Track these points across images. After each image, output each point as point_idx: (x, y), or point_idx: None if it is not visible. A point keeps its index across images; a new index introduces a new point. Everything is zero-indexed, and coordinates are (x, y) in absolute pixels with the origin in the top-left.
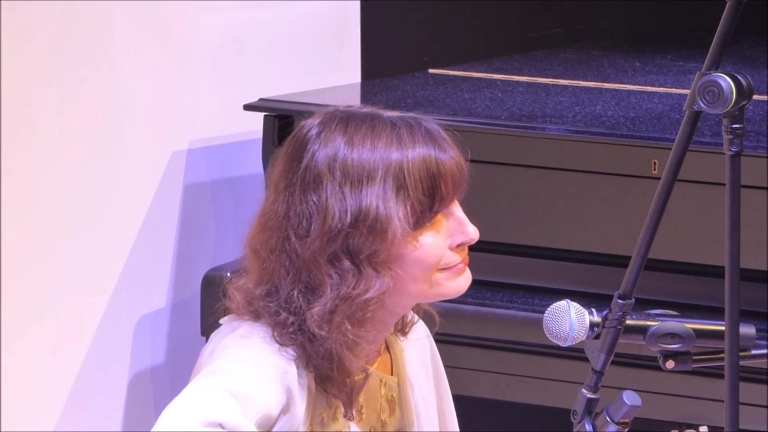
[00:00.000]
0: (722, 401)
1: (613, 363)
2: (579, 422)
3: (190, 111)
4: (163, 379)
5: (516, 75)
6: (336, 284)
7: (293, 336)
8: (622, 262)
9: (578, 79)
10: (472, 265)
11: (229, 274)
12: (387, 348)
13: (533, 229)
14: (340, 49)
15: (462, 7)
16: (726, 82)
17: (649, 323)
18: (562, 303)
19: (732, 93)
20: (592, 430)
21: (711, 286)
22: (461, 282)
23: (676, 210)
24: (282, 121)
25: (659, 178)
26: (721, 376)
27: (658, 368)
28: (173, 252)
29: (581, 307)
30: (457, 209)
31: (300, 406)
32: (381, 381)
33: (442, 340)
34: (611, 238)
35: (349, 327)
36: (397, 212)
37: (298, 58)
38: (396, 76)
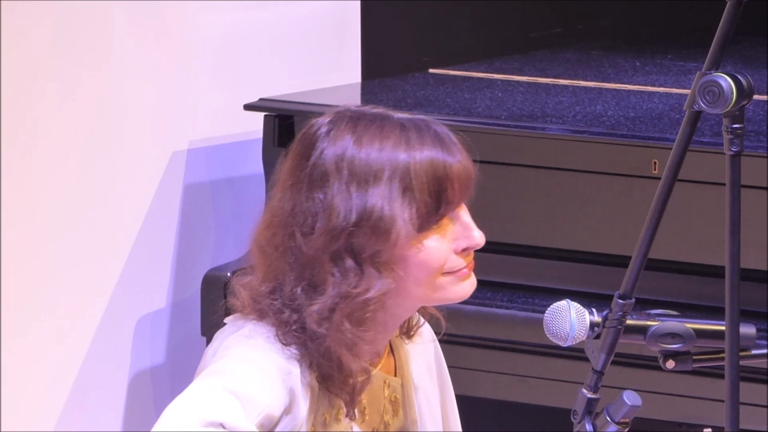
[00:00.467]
0: (722, 401)
1: (613, 363)
2: (579, 422)
3: (190, 111)
4: (163, 379)
5: (516, 75)
6: (337, 282)
7: (296, 334)
8: (622, 262)
9: (578, 79)
10: None
11: (229, 274)
12: (392, 351)
13: (533, 229)
14: (340, 49)
15: (462, 7)
16: (726, 82)
17: (649, 323)
18: (563, 303)
19: (732, 93)
20: (592, 430)
21: (711, 286)
22: (465, 287)
23: (676, 210)
24: (282, 121)
25: (659, 178)
26: (721, 376)
27: (659, 368)
28: (173, 252)
29: (581, 307)
30: (464, 213)
31: (303, 406)
32: (384, 382)
33: (442, 339)
34: (611, 238)
35: (348, 326)
36: (402, 213)
37: (298, 58)
38: (396, 76)
